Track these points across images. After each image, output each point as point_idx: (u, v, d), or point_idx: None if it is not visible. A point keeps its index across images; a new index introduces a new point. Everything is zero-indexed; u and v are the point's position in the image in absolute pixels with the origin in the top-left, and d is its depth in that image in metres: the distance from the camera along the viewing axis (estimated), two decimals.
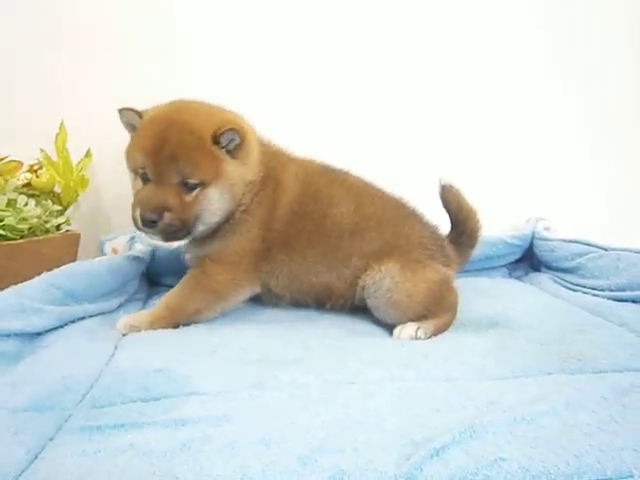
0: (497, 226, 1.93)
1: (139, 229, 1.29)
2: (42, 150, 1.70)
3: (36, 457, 0.79)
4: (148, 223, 1.25)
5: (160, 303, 1.38)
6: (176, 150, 1.24)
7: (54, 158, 1.71)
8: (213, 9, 1.90)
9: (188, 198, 1.28)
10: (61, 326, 1.28)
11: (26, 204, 1.55)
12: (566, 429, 0.82)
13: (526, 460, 0.75)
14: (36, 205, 1.58)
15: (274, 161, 1.44)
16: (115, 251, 1.70)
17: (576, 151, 2.12)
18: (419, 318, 1.35)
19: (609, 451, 0.77)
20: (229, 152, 1.30)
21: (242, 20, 1.92)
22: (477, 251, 1.78)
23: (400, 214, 1.49)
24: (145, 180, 1.29)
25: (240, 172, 1.34)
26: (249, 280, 1.43)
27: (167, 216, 1.25)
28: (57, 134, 1.71)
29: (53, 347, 1.18)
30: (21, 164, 1.69)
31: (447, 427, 0.83)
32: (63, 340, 1.21)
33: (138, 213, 1.26)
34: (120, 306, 1.50)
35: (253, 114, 1.42)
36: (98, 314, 1.39)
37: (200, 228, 1.33)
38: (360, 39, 1.98)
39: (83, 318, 1.35)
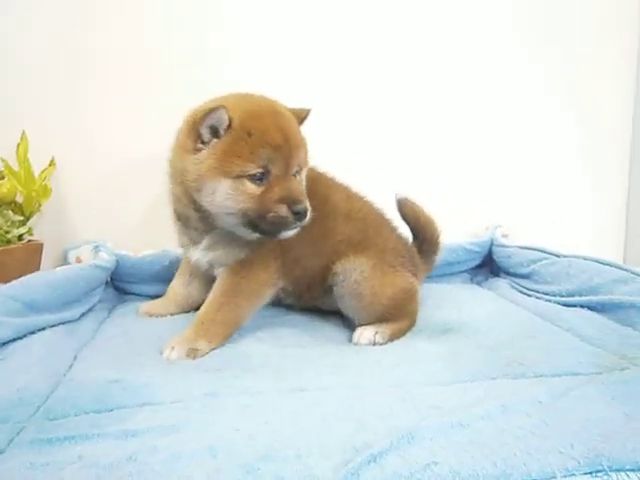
0: (458, 233, 1.99)
1: (289, 226, 1.26)
2: (3, 160, 1.71)
3: None
4: (303, 215, 1.25)
5: (207, 320, 1.33)
6: (299, 140, 1.29)
7: (16, 168, 1.72)
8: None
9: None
10: (20, 337, 1.28)
11: None
12: (499, 433, 0.86)
13: (457, 463, 0.79)
14: None
15: None
16: (79, 260, 1.71)
17: (534, 161, 2.18)
18: (379, 320, 1.40)
19: (536, 454, 0.81)
20: None
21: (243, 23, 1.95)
22: (438, 257, 1.84)
23: (380, 218, 1.57)
24: (261, 178, 1.24)
25: None
26: (279, 275, 1.44)
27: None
28: (18, 144, 1.72)
29: (10, 359, 1.19)
30: None
31: (388, 433, 0.87)
32: (21, 351, 1.22)
33: (285, 209, 1.23)
34: (83, 315, 1.52)
35: None
36: (59, 324, 1.40)
37: None
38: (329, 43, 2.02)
39: (44, 328, 1.35)
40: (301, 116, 1.37)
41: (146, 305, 1.60)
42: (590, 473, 0.79)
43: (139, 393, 1.05)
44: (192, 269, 1.55)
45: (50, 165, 1.80)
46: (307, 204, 1.25)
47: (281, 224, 1.25)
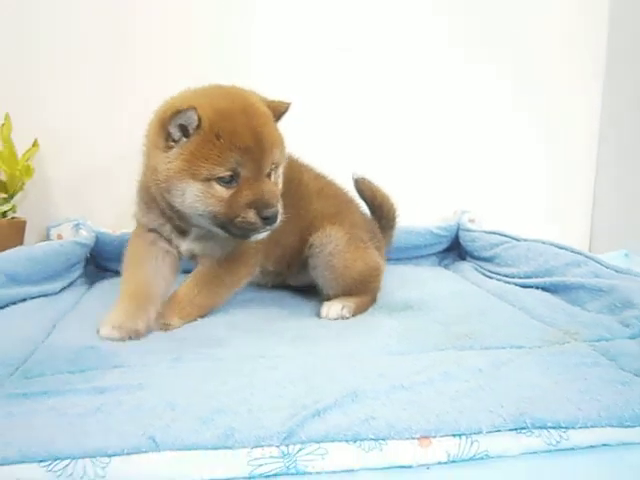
0: (428, 218, 2.07)
1: (257, 230, 1.24)
2: None
3: None
4: (273, 219, 1.22)
5: (185, 301, 1.36)
6: (272, 139, 1.24)
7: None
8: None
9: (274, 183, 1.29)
10: (2, 307, 1.36)
11: None
12: (436, 395, 0.95)
13: (394, 419, 0.87)
14: None
15: None
16: (60, 237, 1.79)
17: (502, 149, 2.26)
18: (345, 293, 1.48)
19: (467, 412, 0.89)
20: None
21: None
22: (406, 241, 1.94)
23: (347, 196, 1.65)
24: (230, 181, 1.21)
25: None
26: (260, 263, 1.48)
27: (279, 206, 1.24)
28: (2, 125, 1.78)
29: None
30: None
31: (334, 393, 0.95)
32: (2, 320, 1.31)
33: (253, 214, 1.21)
34: (63, 289, 1.60)
35: None
36: (40, 296, 1.48)
37: None
38: None
39: (24, 300, 1.43)
40: (279, 110, 1.32)
41: (113, 318, 1.28)
42: (515, 429, 0.87)
43: (110, 358, 1.13)
44: (160, 254, 1.42)
45: (33, 146, 1.86)
46: (277, 207, 1.22)
47: (249, 229, 1.23)
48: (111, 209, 1.94)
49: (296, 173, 1.51)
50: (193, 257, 1.43)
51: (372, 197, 1.71)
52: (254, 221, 1.21)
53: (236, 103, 1.22)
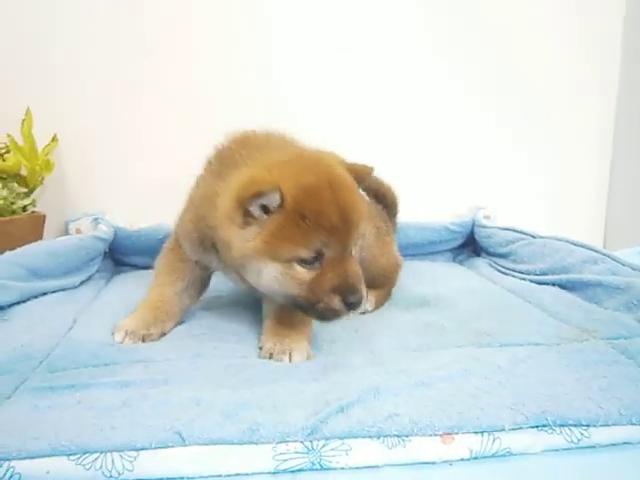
0: (443, 215, 2.08)
1: (340, 317, 1.10)
2: (9, 135, 1.78)
3: None
4: (358, 305, 1.09)
5: (297, 328, 1.22)
6: (358, 214, 1.11)
7: (20, 143, 1.79)
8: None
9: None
10: (24, 301, 1.38)
11: None
12: (457, 392, 0.95)
13: (416, 415, 0.88)
14: (3, 187, 1.67)
15: None
16: (79, 231, 1.81)
17: (518, 147, 2.26)
18: (368, 285, 1.47)
19: (489, 409, 0.90)
20: None
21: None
22: (422, 236, 1.95)
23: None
24: (312, 263, 1.08)
25: None
26: None
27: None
28: (23, 120, 1.79)
29: (15, 320, 1.29)
30: None
31: (357, 390, 0.96)
32: (24, 314, 1.32)
33: (338, 300, 1.08)
34: (82, 283, 1.61)
35: None
36: (60, 290, 1.50)
37: None
38: None
39: (45, 294, 1.45)
40: (362, 177, 1.21)
41: (129, 324, 1.26)
42: (536, 427, 0.88)
43: (133, 353, 1.15)
44: (193, 274, 1.35)
45: (53, 141, 1.87)
46: (363, 292, 1.10)
47: (332, 316, 1.10)
48: (128, 204, 1.96)
49: None
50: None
51: (376, 189, 1.70)
52: (338, 308, 1.08)
53: (321, 177, 1.09)
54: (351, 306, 1.08)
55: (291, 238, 1.06)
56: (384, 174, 1.74)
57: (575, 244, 1.65)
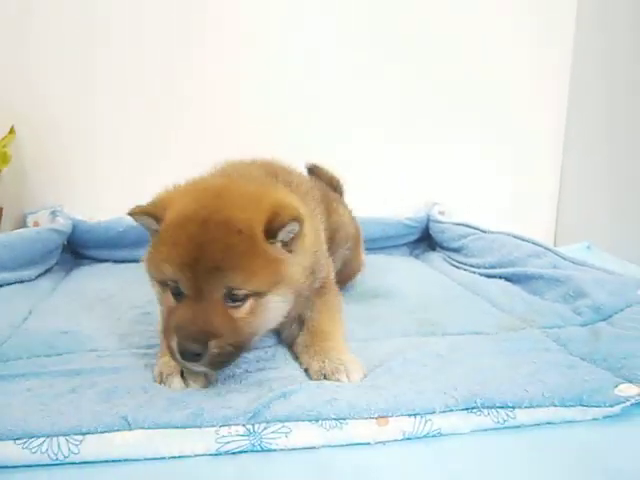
0: (399, 209, 2.13)
1: (178, 362, 0.98)
2: None
3: None
4: (190, 356, 0.94)
5: (335, 338, 1.15)
6: (219, 259, 0.96)
7: None
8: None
9: (238, 313, 0.99)
10: None
11: None
12: (395, 379, 1.01)
13: (355, 400, 0.92)
14: None
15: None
16: (37, 224, 1.81)
17: (472, 143, 2.32)
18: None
19: (423, 393, 0.95)
20: (285, 245, 1.04)
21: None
22: (379, 231, 2.00)
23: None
24: (177, 294, 0.99)
25: (300, 264, 1.08)
26: None
27: (214, 344, 0.94)
28: None
29: None
30: None
31: (301, 379, 1.01)
32: None
33: (175, 343, 0.95)
34: (40, 276, 1.62)
35: None
36: (16, 282, 1.51)
37: (257, 339, 1.08)
38: None
39: (1, 286, 1.46)
40: (273, 227, 1.00)
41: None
42: (466, 409, 0.93)
43: (86, 342, 1.18)
44: None
45: (10, 133, 1.87)
46: (205, 345, 0.93)
47: (174, 357, 0.97)
48: (88, 197, 1.97)
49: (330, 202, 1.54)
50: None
51: (329, 181, 1.73)
52: (174, 350, 0.95)
53: (203, 210, 1.00)
54: (183, 355, 0.94)
55: (155, 263, 1.02)
56: (343, 169, 1.80)
57: (522, 239, 1.73)
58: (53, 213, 1.83)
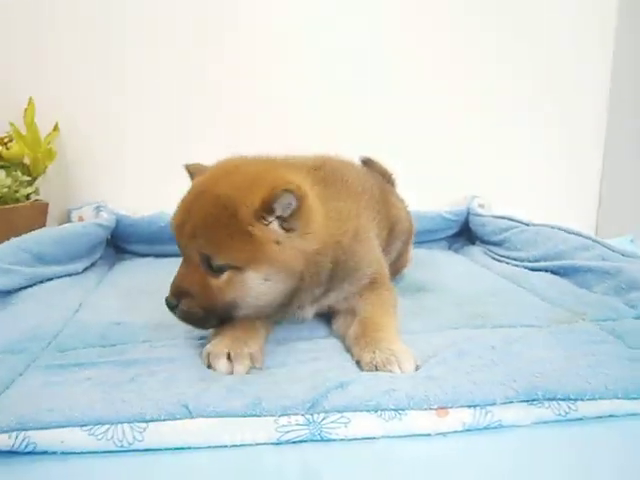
0: (438, 203, 2.12)
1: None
2: (12, 124, 1.81)
3: (7, 388, 0.94)
4: (170, 308, 1.08)
5: (386, 329, 1.14)
6: (197, 226, 1.04)
7: (23, 132, 1.82)
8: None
9: (215, 282, 1.05)
10: (30, 286, 1.41)
11: None
12: (452, 370, 0.99)
13: (412, 391, 0.91)
14: (6, 176, 1.70)
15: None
16: (81, 219, 1.84)
17: (512, 136, 2.29)
18: None
19: (482, 384, 0.94)
20: (285, 222, 1.05)
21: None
22: (418, 225, 1.98)
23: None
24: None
25: (295, 247, 1.07)
26: None
27: (184, 302, 1.06)
28: (26, 109, 1.82)
29: (22, 304, 1.32)
30: None
31: (355, 369, 1.01)
32: (31, 298, 1.35)
33: (166, 298, 1.08)
34: (86, 269, 1.65)
35: None
36: (65, 275, 1.53)
37: (244, 312, 1.09)
38: None
39: (51, 279, 1.48)
40: (263, 208, 1.02)
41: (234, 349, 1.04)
42: (527, 401, 0.91)
43: (139, 333, 1.19)
44: None
45: (54, 130, 1.90)
46: (177, 300, 1.06)
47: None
48: (130, 192, 1.99)
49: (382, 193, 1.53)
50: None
51: (383, 174, 1.74)
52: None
53: (204, 183, 1.11)
54: (166, 303, 1.07)
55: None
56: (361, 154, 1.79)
57: (568, 231, 1.69)
58: (97, 208, 1.86)
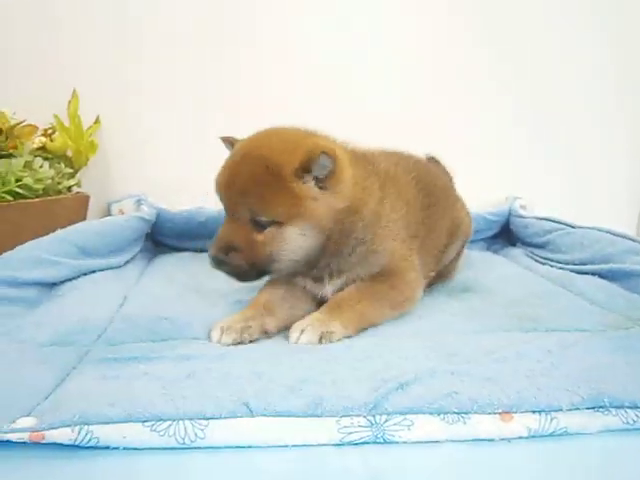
0: (479, 204, 2.08)
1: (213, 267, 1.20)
2: (56, 116, 1.81)
3: (62, 381, 0.94)
4: (216, 262, 1.17)
5: (345, 305, 1.21)
6: (246, 185, 1.14)
7: (66, 124, 1.82)
8: None
9: (260, 237, 1.15)
10: (75, 277, 1.41)
11: (41, 166, 1.67)
12: (512, 373, 0.97)
13: (475, 394, 0.89)
14: (50, 167, 1.70)
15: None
16: (121, 213, 1.84)
17: (554, 137, 2.25)
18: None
19: (545, 390, 0.91)
20: (320, 182, 1.16)
21: None
22: None
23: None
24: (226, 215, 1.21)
25: (328, 204, 1.18)
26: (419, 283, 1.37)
27: (233, 256, 1.16)
28: (69, 101, 1.82)
29: (68, 296, 1.32)
30: (36, 128, 1.80)
31: (411, 370, 0.98)
32: (77, 290, 1.35)
33: (209, 252, 1.18)
34: (127, 262, 1.65)
35: None
36: (108, 268, 1.53)
37: (279, 267, 1.20)
38: None
39: (94, 271, 1.48)
40: (303, 166, 1.14)
41: (225, 320, 1.18)
42: (593, 408, 0.89)
43: (187, 329, 1.18)
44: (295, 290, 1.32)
45: (96, 122, 1.90)
46: (226, 255, 1.16)
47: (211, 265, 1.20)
48: (170, 187, 1.99)
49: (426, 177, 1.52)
50: None
51: (444, 172, 1.74)
52: (209, 255, 1.19)
53: (248, 146, 1.21)
54: (212, 260, 1.18)
55: (215, 183, 1.22)
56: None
57: (615, 234, 1.65)
58: (138, 202, 1.85)
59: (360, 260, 1.27)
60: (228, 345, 1.12)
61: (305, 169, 1.13)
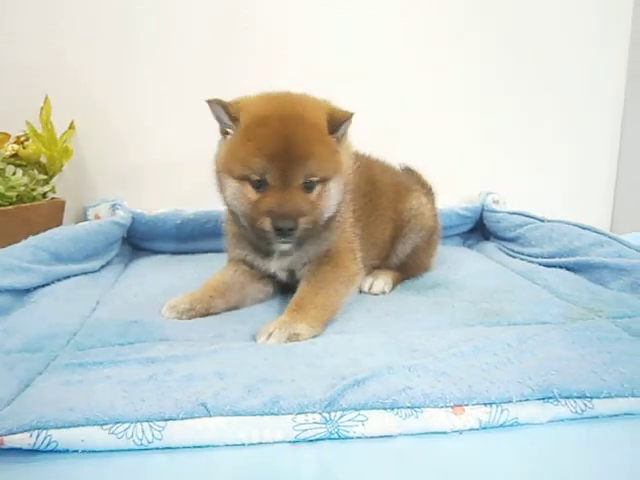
0: (453, 200, 2.12)
1: (271, 241, 1.22)
2: (28, 123, 1.82)
3: (27, 386, 0.96)
4: (286, 232, 1.18)
5: (306, 303, 1.25)
6: (304, 149, 1.17)
7: (39, 130, 1.83)
8: None
9: (312, 197, 1.22)
10: (47, 284, 1.43)
11: (14, 173, 1.69)
12: (468, 367, 1.00)
13: (429, 389, 0.92)
14: (23, 174, 1.71)
15: None
16: (97, 217, 1.85)
17: (527, 132, 2.28)
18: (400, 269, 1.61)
19: (498, 383, 0.94)
20: (339, 141, 1.27)
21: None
22: None
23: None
24: (259, 186, 1.20)
25: (349, 160, 1.32)
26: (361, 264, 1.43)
27: (302, 221, 1.19)
28: (42, 108, 1.82)
29: (40, 302, 1.34)
30: (8, 136, 1.82)
31: (370, 366, 1.00)
32: (49, 296, 1.37)
33: (269, 223, 1.17)
34: (102, 267, 1.66)
35: None
36: (82, 273, 1.55)
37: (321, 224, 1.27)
38: None
39: (68, 277, 1.50)
40: (336, 120, 1.24)
41: (175, 301, 1.32)
42: (542, 399, 0.92)
43: (156, 332, 1.19)
44: (245, 276, 1.42)
45: (70, 128, 1.91)
46: (293, 222, 1.18)
47: (264, 238, 1.22)
48: (146, 190, 2.00)
49: (367, 170, 1.53)
50: (291, 277, 1.40)
51: (422, 183, 1.78)
52: (268, 230, 1.18)
53: (277, 111, 1.20)
54: (279, 232, 1.17)
55: (241, 157, 1.20)
56: (396, 160, 1.79)
57: (582, 227, 1.69)
58: (113, 206, 1.87)
59: (317, 237, 1.32)
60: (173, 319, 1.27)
61: (336, 128, 1.23)
